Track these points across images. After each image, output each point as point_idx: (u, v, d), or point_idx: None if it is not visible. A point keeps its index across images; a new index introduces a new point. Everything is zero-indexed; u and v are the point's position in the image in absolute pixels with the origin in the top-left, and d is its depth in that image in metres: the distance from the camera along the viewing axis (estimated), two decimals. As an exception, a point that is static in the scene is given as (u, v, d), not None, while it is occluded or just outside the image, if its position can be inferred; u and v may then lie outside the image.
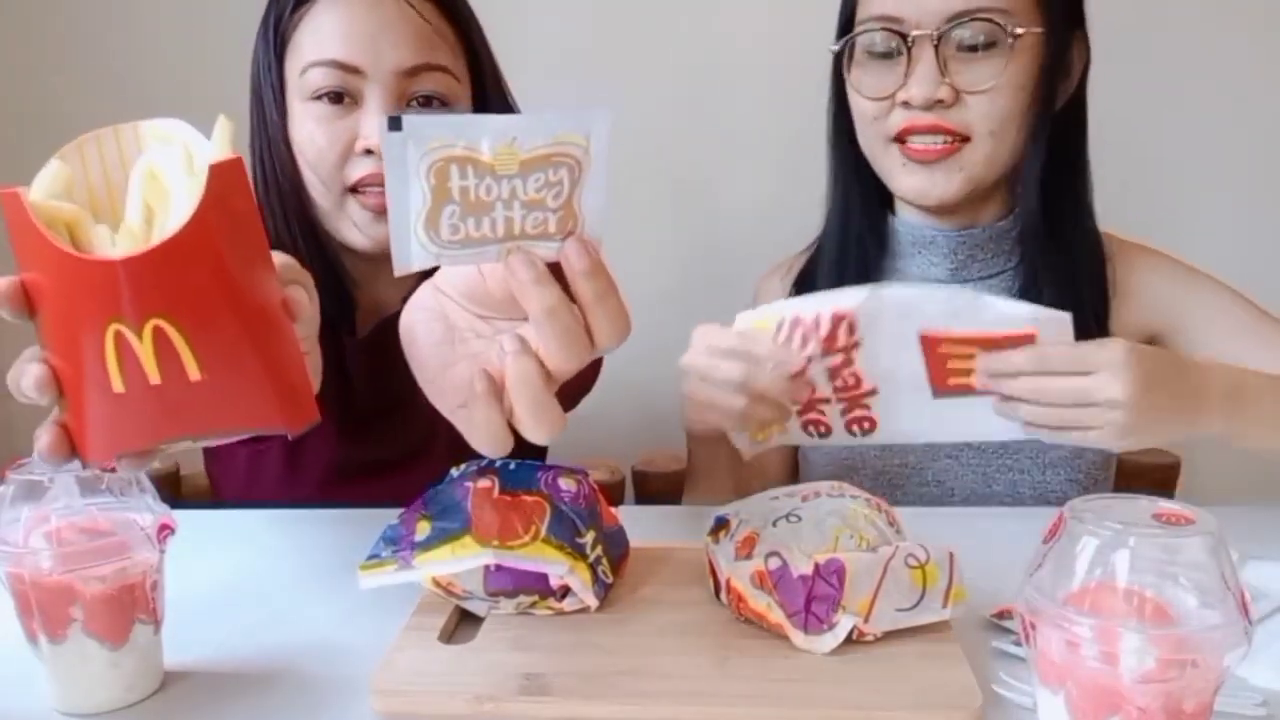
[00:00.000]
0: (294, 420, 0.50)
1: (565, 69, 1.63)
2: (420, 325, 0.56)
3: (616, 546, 0.69)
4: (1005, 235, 0.97)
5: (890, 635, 0.60)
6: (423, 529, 0.64)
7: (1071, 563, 0.46)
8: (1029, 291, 0.95)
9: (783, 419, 0.80)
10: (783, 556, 0.61)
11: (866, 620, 0.59)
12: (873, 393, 0.78)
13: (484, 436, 0.52)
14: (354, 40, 0.84)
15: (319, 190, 0.89)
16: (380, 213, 0.87)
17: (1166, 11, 1.59)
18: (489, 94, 0.94)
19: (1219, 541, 0.45)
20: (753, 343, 0.75)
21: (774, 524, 0.65)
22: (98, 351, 0.46)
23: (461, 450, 0.89)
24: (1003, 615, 0.64)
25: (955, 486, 0.97)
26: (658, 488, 1.19)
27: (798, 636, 0.60)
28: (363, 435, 0.96)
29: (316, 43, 0.86)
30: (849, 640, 0.59)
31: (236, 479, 1.01)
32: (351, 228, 0.89)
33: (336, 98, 0.86)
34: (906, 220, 0.99)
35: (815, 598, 0.59)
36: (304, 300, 0.51)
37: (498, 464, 0.68)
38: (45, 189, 0.49)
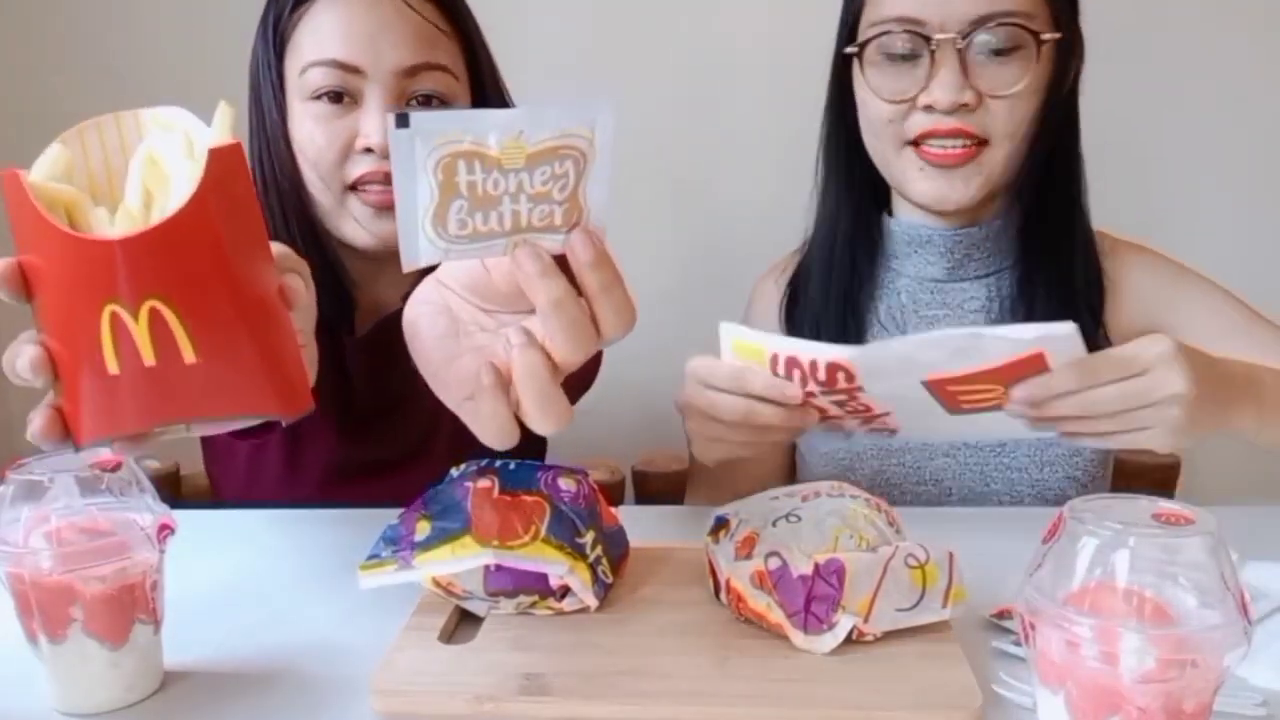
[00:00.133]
0: (288, 407, 0.50)
1: (565, 69, 1.63)
2: (424, 319, 0.56)
3: (616, 546, 0.69)
4: (1002, 234, 0.97)
5: (890, 635, 0.60)
6: (423, 529, 0.64)
7: (1071, 563, 0.46)
8: (1025, 290, 0.96)
9: (793, 437, 0.78)
10: (783, 556, 0.61)
11: (866, 620, 0.59)
12: (887, 413, 0.76)
13: (490, 429, 0.52)
14: (353, 40, 0.85)
15: (319, 188, 0.89)
16: (381, 208, 0.87)
17: (1166, 11, 1.59)
18: (487, 92, 0.94)
19: (1219, 541, 0.45)
20: (750, 377, 0.73)
21: (774, 524, 0.65)
22: (93, 332, 0.46)
23: (462, 449, 0.90)
24: (1003, 615, 0.64)
25: (953, 486, 0.97)
26: (658, 488, 1.19)
27: (798, 636, 0.60)
28: (363, 434, 0.96)
29: (316, 42, 0.86)
30: (849, 640, 0.59)
31: (236, 479, 1.01)
32: (353, 225, 0.89)
33: (336, 97, 0.86)
34: (903, 220, 0.99)
35: (815, 598, 0.59)
36: (301, 289, 0.51)
37: (498, 464, 0.68)
38: (45, 172, 0.49)
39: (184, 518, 0.61)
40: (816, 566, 0.60)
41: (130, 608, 0.57)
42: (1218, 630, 0.44)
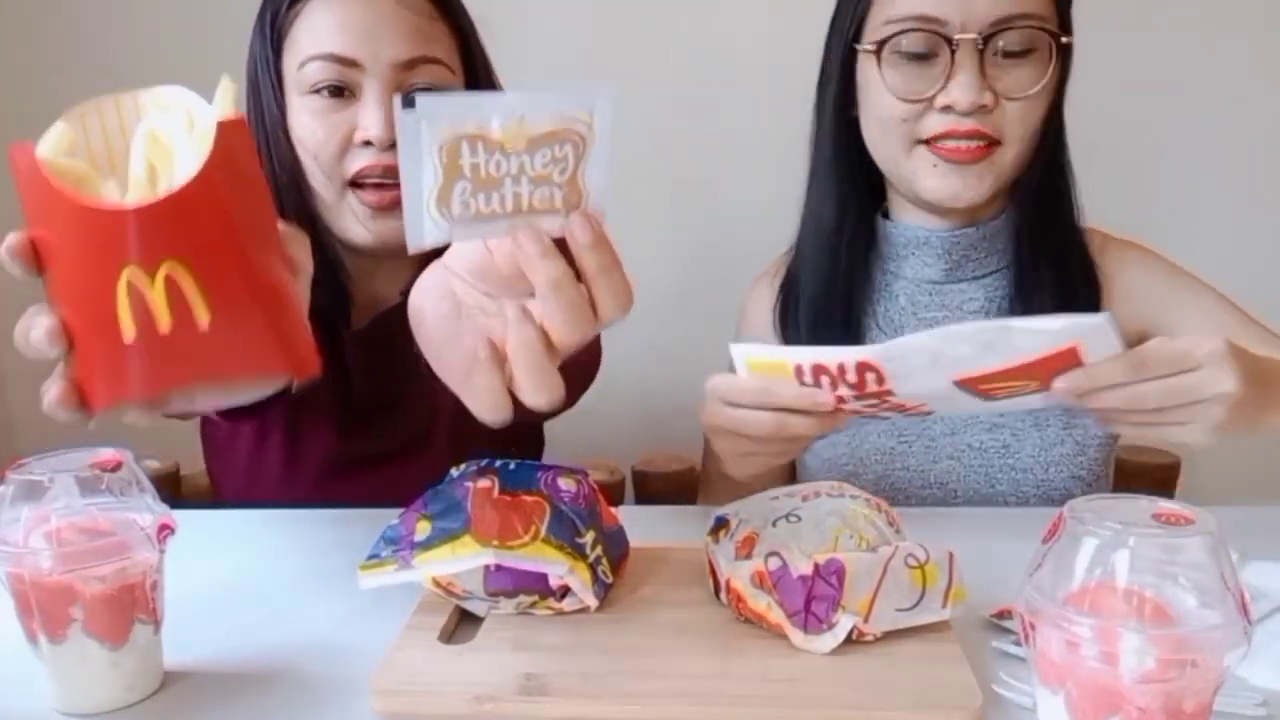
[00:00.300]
0: (297, 368, 0.52)
1: (565, 69, 1.63)
2: (429, 303, 0.57)
3: (616, 546, 0.69)
4: (999, 234, 0.97)
5: (890, 635, 0.60)
6: (423, 529, 0.64)
7: (1071, 563, 0.46)
8: (1023, 290, 0.96)
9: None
10: (782, 556, 0.61)
11: (866, 620, 0.59)
12: (921, 406, 0.75)
13: (485, 402, 0.53)
14: (350, 34, 0.86)
15: (320, 182, 0.90)
16: (380, 208, 0.88)
17: (1165, 11, 1.59)
18: (481, 85, 0.96)
19: (1219, 541, 0.45)
20: (777, 390, 0.72)
21: (774, 524, 0.65)
22: (110, 300, 0.47)
23: (461, 441, 0.91)
24: (1003, 615, 0.64)
25: (958, 488, 0.96)
26: (658, 488, 1.19)
27: (798, 636, 0.60)
28: (361, 428, 0.97)
29: (313, 37, 0.87)
30: (849, 640, 0.59)
31: (237, 475, 1.01)
32: (353, 222, 0.90)
33: (335, 91, 0.87)
34: (900, 222, 0.99)
35: (815, 598, 0.59)
36: (303, 259, 0.53)
37: (498, 464, 0.68)
38: (51, 149, 0.50)
39: (184, 518, 0.61)
40: (816, 566, 0.60)
41: (130, 608, 0.57)
42: (1218, 630, 0.44)
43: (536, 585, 0.64)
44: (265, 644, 0.66)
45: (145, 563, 0.58)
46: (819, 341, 0.97)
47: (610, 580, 0.66)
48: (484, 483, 0.65)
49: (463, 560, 0.62)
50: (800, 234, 1.03)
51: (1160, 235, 1.00)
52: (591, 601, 0.64)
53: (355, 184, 0.89)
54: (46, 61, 1.69)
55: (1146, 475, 1.15)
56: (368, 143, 0.87)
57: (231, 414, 0.67)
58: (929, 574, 0.61)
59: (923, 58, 0.89)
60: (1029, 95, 0.88)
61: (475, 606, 0.66)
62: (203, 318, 0.48)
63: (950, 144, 0.89)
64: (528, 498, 0.64)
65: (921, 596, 0.61)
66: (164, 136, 0.50)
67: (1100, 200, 0.99)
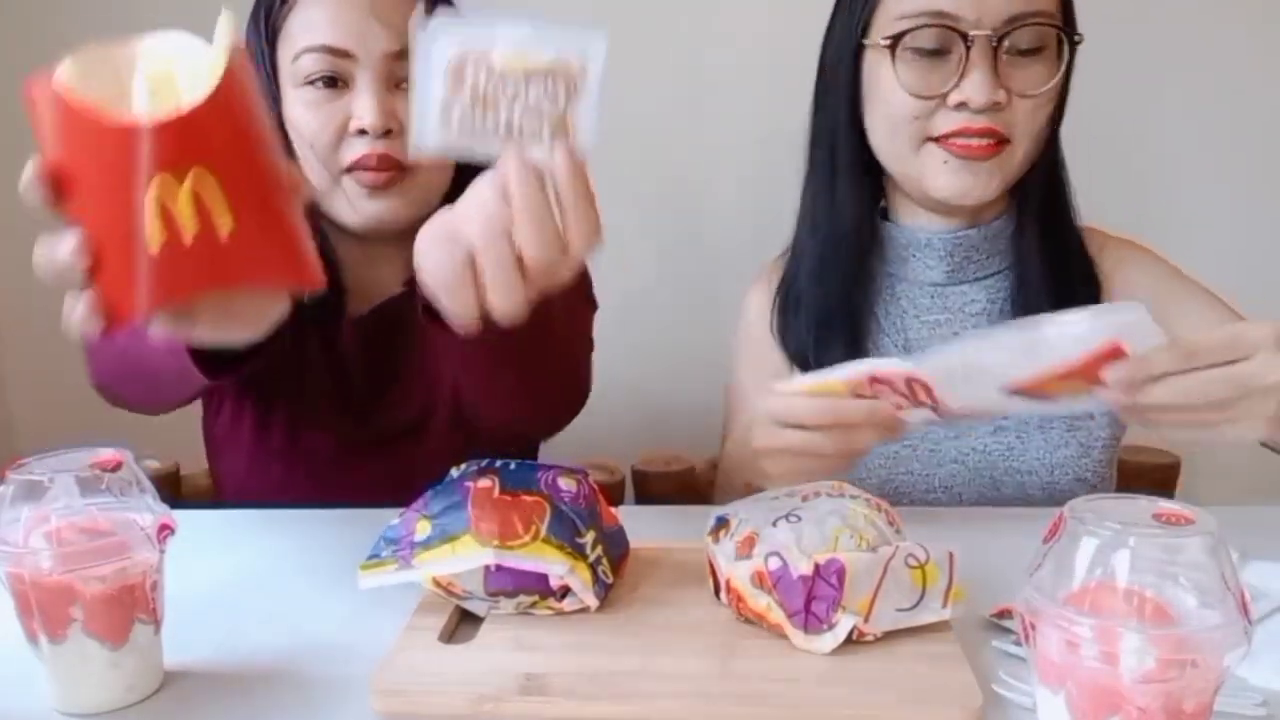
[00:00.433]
0: (308, 278, 0.56)
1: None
2: (432, 242, 0.60)
3: (616, 546, 0.69)
4: (999, 235, 0.97)
5: (890, 635, 0.60)
6: (423, 529, 0.64)
7: (1071, 563, 0.46)
8: (1024, 290, 0.95)
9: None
10: (783, 556, 0.61)
11: (866, 620, 0.59)
12: (979, 413, 0.74)
13: (459, 308, 0.59)
14: (343, 25, 0.88)
15: (315, 170, 0.91)
16: (374, 188, 0.90)
17: (1162, 3, 1.59)
18: None
19: (1219, 541, 0.45)
20: (844, 407, 0.72)
21: (774, 524, 0.65)
22: (137, 212, 0.50)
23: (461, 424, 0.92)
24: (1003, 615, 0.64)
25: (963, 492, 0.96)
26: (658, 488, 1.19)
27: (798, 636, 0.60)
28: (361, 414, 0.98)
29: (307, 30, 0.89)
30: (849, 640, 0.59)
31: (240, 468, 1.02)
32: (345, 204, 0.92)
33: (329, 81, 0.89)
34: (902, 224, 0.98)
35: (815, 598, 0.59)
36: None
37: (498, 464, 0.68)
38: (67, 80, 0.52)
39: (184, 518, 0.61)
40: (816, 566, 0.60)
41: (130, 608, 0.57)
42: (1218, 630, 0.44)
43: (536, 585, 0.64)
44: (265, 644, 0.66)
45: (145, 563, 0.58)
46: (823, 347, 0.97)
47: (610, 580, 0.66)
48: (484, 483, 0.65)
49: (463, 560, 0.62)
50: (797, 236, 1.02)
51: (1158, 229, 1.00)
52: (591, 601, 0.64)
53: (349, 171, 0.90)
54: (46, 61, 1.69)
55: (1146, 475, 1.15)
56: (362, 131, 0.89)
57: (216, 372, 0.69)
58: (929, 574, 0.61)
59: (934, 54, 0.88)
60: (1040, 93, 0.88)
61: (475, 606, 0.66)
62: (225, 226, 0.51)
63: (962, 141, 0.88)
64: (528, 498, 0.64)
65: (921, 596, 0.61)
66: (165, 66, 0.53)
67: (1097, 196, 0.99)
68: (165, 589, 0.60)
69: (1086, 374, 0.66)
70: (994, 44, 0.86)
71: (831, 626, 0.59)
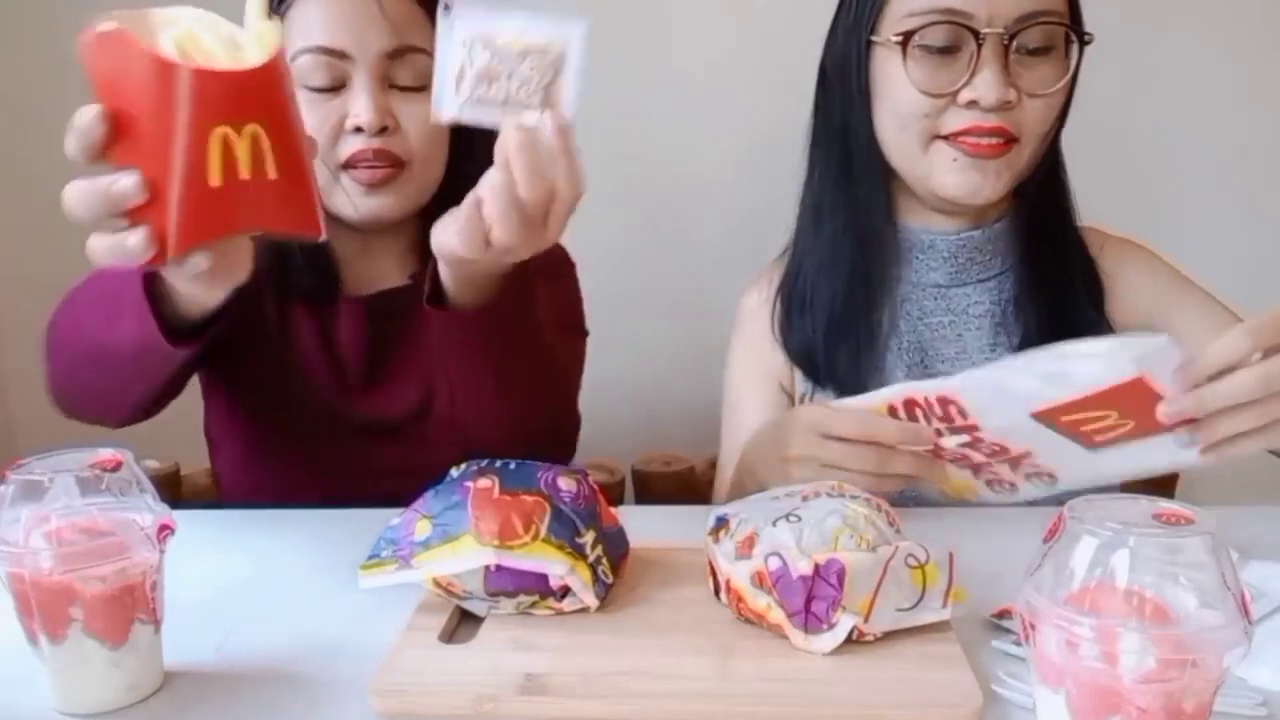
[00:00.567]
0: (315, 229, 0.63)
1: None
2: (451, 215, 0.71)
3: (616, 546, 0.69)
4: (1001, 236, 0.97)
5: (890, 635, 0.60)
6: (423, 529, 0.64)
7: (1071, 563, 0.46)
8: (1027, 291, 0.95)
9: (922, 480, 0.78)
10: (783, 556, 0.61)
11: (866, 620, 0.59)
12: (1028, 454, 0.74)
13: (467, 240, 0.69)
14: (339, 27, 0.90)
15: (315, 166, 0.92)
16: (371, 185, 0.92)
17: (1166, 5, 1.59)
18: None
19: (1219, 541, 0.45)
20: (880, 424, 0.73)
21: (774, 524, 0.65)
22: (202, 151, 0.56)
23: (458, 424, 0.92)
24: (1003, 615, 0.64)
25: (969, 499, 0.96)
26: (658, 488, 1.19)
27: (798, 636, 0.60)
28: (356, 402, 0.99)
29: (304, 31, 0.90)
30: (849, 640, 0.59)
31: (239, 463, 1.03)
32: (343, 199, 0.93)
33: (326, 81, 0.91)
34: (905, 225, 0.98)
35: (815, 598, 0.59)
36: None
37: (498, 464, 0.68)
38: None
39: (184, 518, 0.61)
40: (816, 566, 0.60)
41: (130, 608, 0.57)
42: (1218, 630, 0.44)
43: (536, 585, 0.64)
44: (265, 644, 0.66)
45: (145, 563, 0.58)
46: (832, 347, 0.97)
47: (610, 580, 0.66)
48: (484, 483, 0.65)
49: (463, 560, 0.62)
50: (799, 237, 1.01)
51: (1160, 230, 1.00)
52: (591, 601, 0.64)
53: (346, 167, 0.92)
54: (46, 61, 1.69)
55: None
56: (359, 129, 0.90)
57: (180, 339, 0.75)
58: (929, 574, 0.61)
59: (944, 51, 0.88)
60: (1050, 93, 0.88)
61: (475, 606, 0.66)
62: (272, 173, 0.59)
63: (972, 139, 0.88)
64: (528, 498, 0.64)
65: (921, 596, 0.61)
66: (189, 30, 0.57)
67: (1097, 197, 0.99)
68: (165, 589, 0.60)
69: (1113, 404, 0.66)
70: (1005, 42, 0.86)
71: (831, 626, 0.59)
